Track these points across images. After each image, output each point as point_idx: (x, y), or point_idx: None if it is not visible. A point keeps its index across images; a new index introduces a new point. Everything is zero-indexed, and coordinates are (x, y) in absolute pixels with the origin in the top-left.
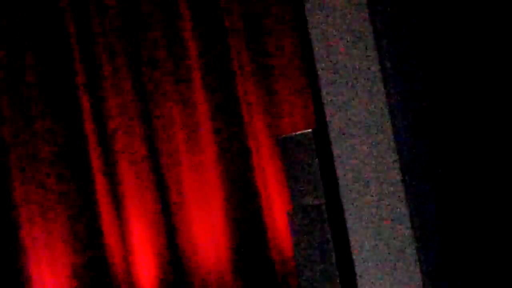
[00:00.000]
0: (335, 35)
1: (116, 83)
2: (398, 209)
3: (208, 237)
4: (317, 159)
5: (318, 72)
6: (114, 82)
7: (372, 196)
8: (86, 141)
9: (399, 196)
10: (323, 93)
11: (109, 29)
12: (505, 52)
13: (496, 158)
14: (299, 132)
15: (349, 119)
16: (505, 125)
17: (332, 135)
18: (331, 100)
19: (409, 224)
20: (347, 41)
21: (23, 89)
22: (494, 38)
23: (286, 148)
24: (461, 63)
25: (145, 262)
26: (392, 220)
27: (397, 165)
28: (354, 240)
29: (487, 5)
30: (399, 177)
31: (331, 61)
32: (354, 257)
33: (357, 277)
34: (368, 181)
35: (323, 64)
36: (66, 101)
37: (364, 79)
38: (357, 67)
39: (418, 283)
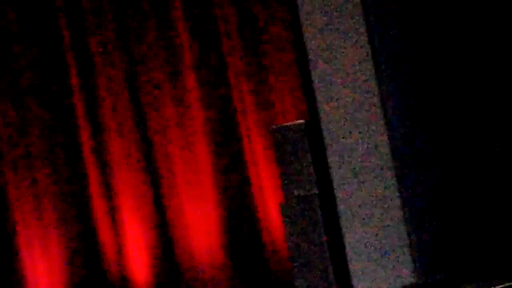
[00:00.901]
0: (327, 28)
1: (109, 80)
2: (390, 199)
3: (201, 230)
4: (309, 149)
5: (310, 65)
6: (107, 80)
7: (364, 186)
8: (79, 137)
9: (391, 186)
10: (315, 84)
11: (103, 29)
12: (498, 50)
13: (486, 150)
14: (291, 123)
15: (341, 110)
16: (494, 119)
17: (324, 125)
18: (323, 92)
19: (401, 213)
20: (340, 34)
21: (17, 90)
22: (488, 36)
23: (278, 138)
24: (451, 55)
25: (138, 257)
26: (383, 209)
27: (389, 154)
28: (346, 229)
29: (478, 4)
30: (391, 167)
31: (323, 54)
32: (346, 245)
33: (349, 265)
34: (360, 171)
35: (316, 57)
36: (60, 101)
37: (356, 70)
38: (349, 59)
39: (409, 269)
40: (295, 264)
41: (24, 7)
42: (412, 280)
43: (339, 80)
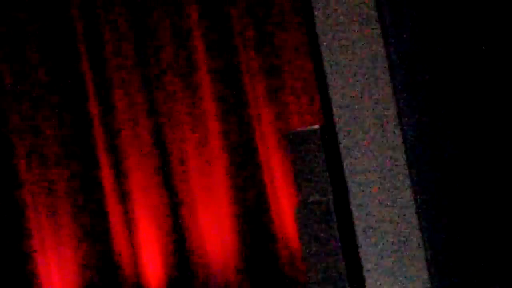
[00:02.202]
0: (342, 32)
1: (124, 81)
2: (405, 205)
3: (215, 233)
4: (324, 155)
5: (326, 68)
6: (121, 80)
7: (378, 191)
8: (93, 139)
9: (405, 192)
10: (331, 89)
11: (117, 28)
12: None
13: (501, 154)
14: (306, 128)
15: (356, 115)
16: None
17: (339, 131)
18: (338, 96)
19: (415, 220)
20: (355, 38)
21: (31, 88)
22: (504, 38)
23: (293, 144)
24: (470, 59)
25: (152, 259)
26: (398, 216)
27: (403, 160)
28: (361, 235)
29: (493, 3)
30: (405, 173)
31: (338, 58)
32: (360, 250)
33: (364, 270)
34: (375, 177)
35: (331, 61)
36: (73, 100)
37: (371, 75)
38: (365, 63)
39: (424, 275)
40: (309, 269)
41: (40, 11)
42: (427, 285)
43: (354, 86)
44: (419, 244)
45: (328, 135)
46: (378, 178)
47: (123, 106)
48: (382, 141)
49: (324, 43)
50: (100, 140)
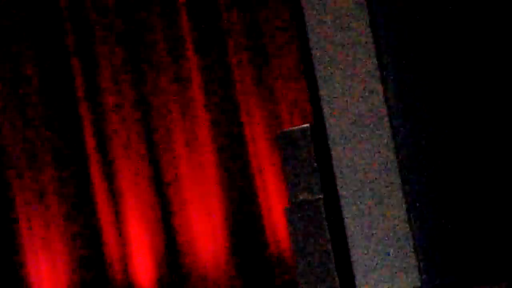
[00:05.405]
0: (332, 31)
1: (115, 82)
2: (395, 204)
3: (206, 234)
4: (314, 154)
5: (316, 68)
6: (112, 81)
7: (369, 190)
8: (84, 140)
9: (396, 190)
10: (321, 88)
11: (108, 30)
12: (502, 51)
13: (493, 150)
14: (296, 127)
15: (346, 114)
16: (499, 120)
17: (329, 130)
18: (328, 96)
19: (406, 216)
20: (345, 38)
21: (21, 91)
22: (493, 37)
23: (284, 142)
24: (457, 58)
25: (143, 260)
26: (389, 212)
27: (394, 159)
28: (351, 233)
29: (484, 4)
30: (396, 172)
31: (328, 57)
32: (350, 249)
33: (354, 269)
34: (365, 175)
35: (321, 61)
36: (64, 102)
37: (362, 74)
38: (355, 63)
39: (415, 273)
40: (299, 268)
41: (31, 18)
42: (418, 284)
43: (344, 84)
44: (410, 242)
45: (318, 134)
46: (368, 176)
47: (115, 110)
48: (372, 140)
49: (314, 44)
50: (90, 141)
